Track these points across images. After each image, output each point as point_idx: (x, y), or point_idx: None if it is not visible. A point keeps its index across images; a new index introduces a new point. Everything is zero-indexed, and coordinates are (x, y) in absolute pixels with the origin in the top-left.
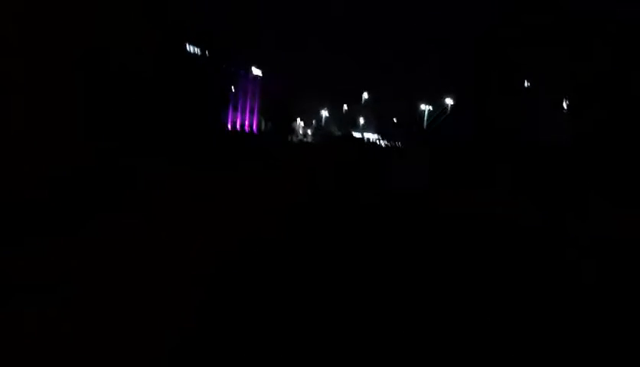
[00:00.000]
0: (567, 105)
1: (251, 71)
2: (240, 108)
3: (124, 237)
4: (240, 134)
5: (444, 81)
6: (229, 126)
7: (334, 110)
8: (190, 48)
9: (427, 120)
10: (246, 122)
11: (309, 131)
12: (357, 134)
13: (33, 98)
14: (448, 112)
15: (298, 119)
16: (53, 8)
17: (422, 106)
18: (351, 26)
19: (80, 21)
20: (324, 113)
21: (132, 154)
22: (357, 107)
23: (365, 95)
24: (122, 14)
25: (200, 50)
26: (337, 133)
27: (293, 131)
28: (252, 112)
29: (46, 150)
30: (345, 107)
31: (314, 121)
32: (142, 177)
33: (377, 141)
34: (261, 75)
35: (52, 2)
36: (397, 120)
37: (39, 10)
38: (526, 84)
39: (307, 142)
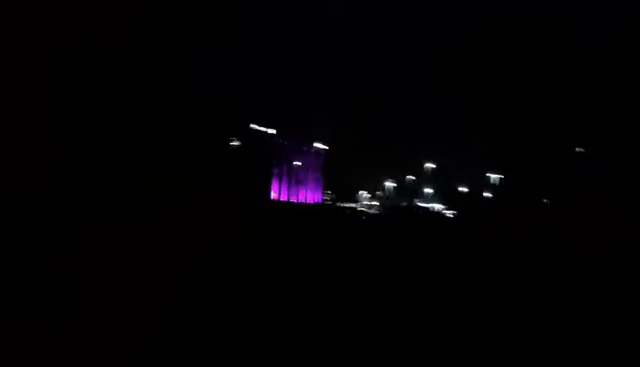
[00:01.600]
0: None
1: (313, 146)
2: (303, 182)
3: None
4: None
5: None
6: (273, 197)
7: (400, 181)
8: (253, 126)
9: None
10: (309, 195)
11: (375, 203)
12: (423, 205)
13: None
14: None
15: (360, 191)
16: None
17: (492, 175)
18: (408, 100)
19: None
20: (390, 184)
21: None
22: (422, 177)
23: (430, 165)
24: None
25: (264, 127)
26: (403, 204)
27: (357, 202)
28: (315, 186)
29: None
30: (412, 178)
31: (377, 193)
32: None
33: (443, 212)
34: (325, 148)
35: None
36: (465, 189)
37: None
38: None
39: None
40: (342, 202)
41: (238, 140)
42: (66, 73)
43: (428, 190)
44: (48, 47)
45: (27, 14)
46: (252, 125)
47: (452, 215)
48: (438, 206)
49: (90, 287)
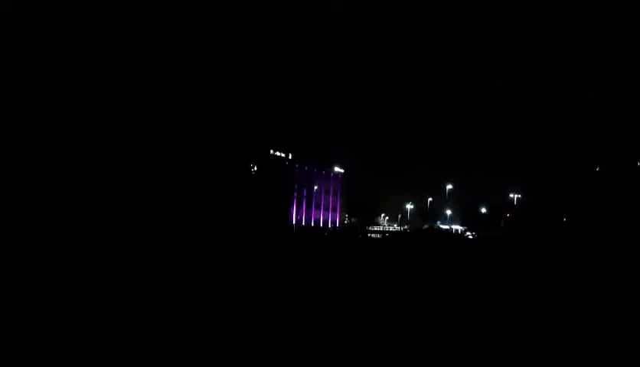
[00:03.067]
0: None
1: (332, 169)
2: (322, 206)
3: None
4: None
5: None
6: (294, 221)
7: (420, 204)
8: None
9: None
10: (329, 219)
11: (395, 225)
12: (444, 227)
13: None
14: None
15: (382, 214)
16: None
17: (512, 194)
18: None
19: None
20: (410, 207)
21: None
22: (442, 199)
23: (449, 187)
24: None
25: (284, 152)
26: (425, 226)
27: (377, 225)
28: (334, 209)
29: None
30: (430, 199)
31: (399, 216)
32: None
33: (465, 233)
34: (344, 172)
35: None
36: (486, 210)
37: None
38: None
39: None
40: (362, 225)
41: (258, 165)
42: (68, 72)
43: (448, 212)
44: (49, 46)
45: (28, 15)
46: (272, 151)
47: (472, 236)
48: (459, 227)
49: (90, 289)
